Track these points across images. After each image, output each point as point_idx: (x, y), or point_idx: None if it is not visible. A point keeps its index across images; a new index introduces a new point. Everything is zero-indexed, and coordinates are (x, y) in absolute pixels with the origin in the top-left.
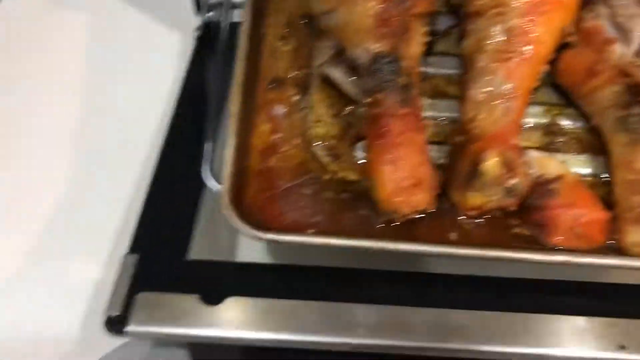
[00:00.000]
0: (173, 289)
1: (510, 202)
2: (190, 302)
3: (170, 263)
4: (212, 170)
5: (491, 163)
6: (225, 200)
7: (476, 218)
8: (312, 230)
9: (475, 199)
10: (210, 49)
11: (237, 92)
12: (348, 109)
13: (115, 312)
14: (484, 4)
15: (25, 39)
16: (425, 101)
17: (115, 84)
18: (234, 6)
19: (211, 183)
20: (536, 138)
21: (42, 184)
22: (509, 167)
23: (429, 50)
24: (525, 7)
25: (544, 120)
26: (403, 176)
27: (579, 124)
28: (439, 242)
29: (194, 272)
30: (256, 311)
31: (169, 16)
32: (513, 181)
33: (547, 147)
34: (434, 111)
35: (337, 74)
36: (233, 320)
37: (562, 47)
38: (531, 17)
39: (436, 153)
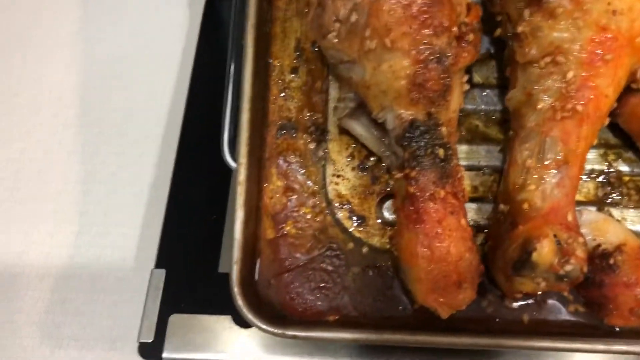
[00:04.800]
0: (204, 309)
1: (563, 287)
2: (223, 324)
3: (200, 279)
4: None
5: (545, 252)
6: (236, 290)
7: (522, 300)
8: (334, 317)
9: (523, 285)
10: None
11: (244, 152)
12: (372, 160)
13: (149, 339)
14: (537, 51)
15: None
16: (461, 147)
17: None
18: None
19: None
20: (590, 190)
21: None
22: (564, 252)
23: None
24: (587, 55)
25: (599, 167)
26: (443, 273)
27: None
28: (483, 326)
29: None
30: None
31: None
32: (568, 268)
33: (603, 201)
34: (472, 160)
35: (359, 129)
36: (264, 345)
37: (627, 88)
38: (594, 67)
39: (475, 214)
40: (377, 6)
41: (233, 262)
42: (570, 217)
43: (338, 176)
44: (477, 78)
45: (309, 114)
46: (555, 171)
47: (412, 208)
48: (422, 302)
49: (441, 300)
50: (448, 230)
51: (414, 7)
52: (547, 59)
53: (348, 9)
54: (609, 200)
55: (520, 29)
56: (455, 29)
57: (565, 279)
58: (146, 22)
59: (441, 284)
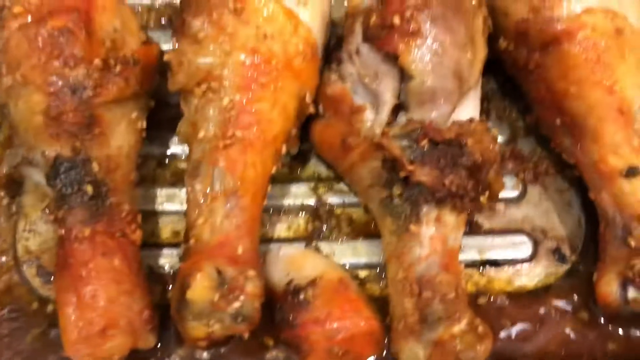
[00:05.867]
0: None
1: (242, 329)
2: None
3: None
4: None
5: (199, 288)
6: None
7: (210, 347)
8: None
9: (194, 330)
10: None
11: None
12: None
13: None
14: (186, 79)
15: None
16: (168, 190)
17: None
18: None
19: None
20: (300, 225)
21: None
22: (231, 288)
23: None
24: (240, 80)
25: (309, 201)
26: (89, 320)
27: (350, 201)
28: None
29: None
30: None
31: None
32: (236, 305)
33: (313, 236)
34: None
35: (36, 176)
36: None
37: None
38: (250, 91)
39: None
40: (7, 41)
41: None
42: (241, 250)
43: (29, 231)
44: None
45: (5, 168)
46: (224, 202)
47: (60, 251)
48: (68, 354)
49: (87, 350)
50: (96, 272)
51: (40, 38)
52: (203, 87)
53: None
54: (319, 235)
55: (166, 57)
56: (97, 60)
57: (240, 319)
58: None
59: (85, 332)
